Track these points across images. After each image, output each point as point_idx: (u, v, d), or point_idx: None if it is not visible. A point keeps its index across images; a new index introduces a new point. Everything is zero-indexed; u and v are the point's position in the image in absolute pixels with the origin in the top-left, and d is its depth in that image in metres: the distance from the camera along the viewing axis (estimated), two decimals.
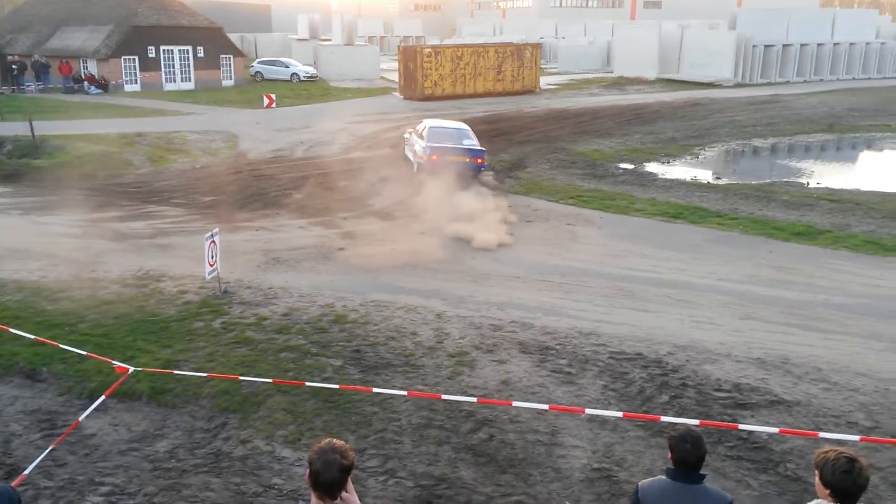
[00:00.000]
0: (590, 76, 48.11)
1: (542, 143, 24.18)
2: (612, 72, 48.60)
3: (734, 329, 9.45)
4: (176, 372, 7.65)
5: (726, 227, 14.39)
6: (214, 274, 10.43)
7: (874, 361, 8.47)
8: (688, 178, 19.72)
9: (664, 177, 19.90)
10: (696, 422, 5.64)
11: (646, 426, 7.06)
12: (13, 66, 36.45)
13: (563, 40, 63.01)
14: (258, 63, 46.66)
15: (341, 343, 8.91)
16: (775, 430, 6.04)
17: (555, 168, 20.61)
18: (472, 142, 18.21)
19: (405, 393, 6.87)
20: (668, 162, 22.26)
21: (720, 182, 19.46)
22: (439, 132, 18.40)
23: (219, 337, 9.07)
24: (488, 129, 25.05)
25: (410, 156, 19.15)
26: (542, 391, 7.87)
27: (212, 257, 10.26)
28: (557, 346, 8.95)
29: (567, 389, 7.94)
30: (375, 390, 6.66)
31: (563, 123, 28.49)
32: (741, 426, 6.34)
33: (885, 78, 45.84)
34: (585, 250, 13.02)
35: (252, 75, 44.58)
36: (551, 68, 54.12)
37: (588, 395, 7.79)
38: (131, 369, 7.54)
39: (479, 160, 17.61)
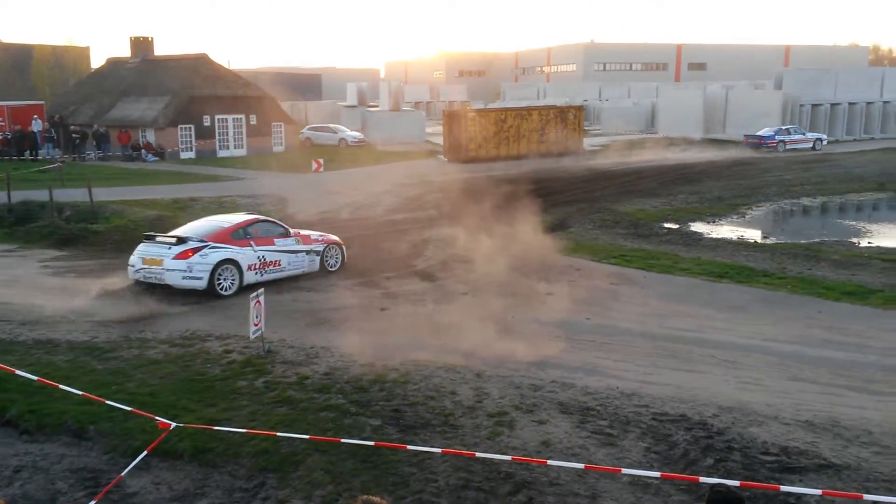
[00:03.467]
0: (634, 137, 48.31)
1: (584, 203, 24.25)
2: (656, 133, 48.75)
3: (782, 391, 9.20)
4: (216, 428, 7.76)
5: (773, 287, 14.12)
6: (259, 333, 10.63)
7: None
8: (734, 238, 19.50)
9: (709, 236, 19.72)
10: (738, 482, 5.48)
11: (689, 490, 6.87)
12: (74, 136, 38.35)
13: (607, 102, 63.62)
14: (308, 129, 48.17)
15: (380, 403, 8.94)
16: (818, 491, 5.83)
17: (598, 228, 20.61)
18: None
19: (440, 451, 6.84)
20: (714, 221, 22.07)
21: (767, 241, 19.20)
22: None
23: (261, 396, 9.20)
24: (532, 189, 25.23)
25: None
26: (583, 452, 7.74)
27: (256, 317, 10.48)
28: (598, 407, 8.82)
29: (608, 451, 7.79)
30: (411, 448, 6.66)
31: (607, 184, 28.58)
32: (783, 488, 6.13)
33: None
34: (628, 310, 12.91)
35: (302, 141, 45.99)
36: (595, 130, 54.56)
37: (630, 458, 7.63)
38: (173, 425, 7.67)
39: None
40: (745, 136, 41.12)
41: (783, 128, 41.01)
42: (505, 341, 11.15)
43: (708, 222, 21.90)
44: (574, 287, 14.29)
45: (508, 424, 8.38)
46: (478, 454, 6.91)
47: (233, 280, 13.88)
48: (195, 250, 13.55)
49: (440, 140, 40.88)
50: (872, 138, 43.37)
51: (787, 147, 40.00)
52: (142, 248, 14.03)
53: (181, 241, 13.75)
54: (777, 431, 8.04)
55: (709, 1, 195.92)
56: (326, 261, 15.48)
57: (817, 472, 7.14)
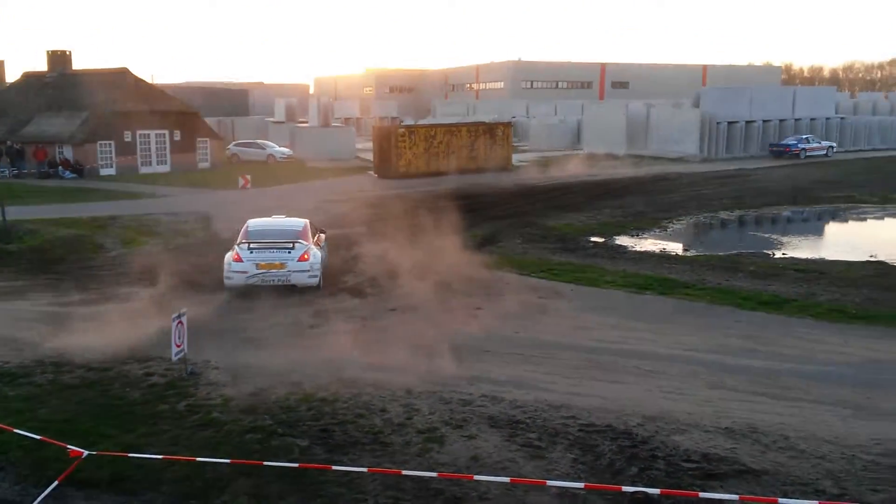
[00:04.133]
0: (561, 153, 49.26)
1: (513, 218, 24.55)
2: (582, 149, 49.86)
3: (703, 399, 9.48)
4: (132, 455, 7.47)
5: (694, 298, 14.57)
6: (181, 355, 10.32)
7: (840, 428, 8.51)
8: (657, 251, 20.06)
9: (634, 249, 20.23)
10: (658, 491, 5.61)
11: (614, 499, 6.98)
12: None
13: (535, 119, 64.75)
14: (234, 145, 47.33)
15: (308, 422, 8.79)
16: (735, 496, 6.02)
17: (526, 242, 20.87)
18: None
19: (366, 469, 6.77)
20: (638, 235, 22.66)
21: (688, 254, 19.81)
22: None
23: (183, 420, 8.92)
24: (461, 205, 25.41)
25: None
26: (512, 466, 7.78)
27: (179, 338, 10.18)
28: (527, 420, 8.90)
29: (537, 464, 7.86)
30: (336, 468, 6.56)
31: (535, 199, 29.02)
32: (702, 494, 6.30)
33: (846, 151, 47.45)
34: (556, 323, 13.09)
35: (228, 157, 45.13)
36: (523, 146, 55.38)
37: (558, 469, 7.71)
38: (86, 453, 7.36)
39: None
40: (770, 145, 45.61)
41: (803, 137, 45.63)
42: (435, 357, 11.14)
43: (632, 236, 22.46)
44: (503, 301, 14.41)
45: (438, 440, 8.36)
46: (405, 472, 6.86)
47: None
48: (309, 252, 14.66)
49: (370, 156, 40.79)
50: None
51: (807, 154, 44.54)
52: (252, 255, 14.51)
53: (294, 244, 14.65)
54: (699, 439, 8.27)
55: (630, 21, 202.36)
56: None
57: (737, 477, 7.36)
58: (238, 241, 15.12)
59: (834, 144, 46.90)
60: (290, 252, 14.60)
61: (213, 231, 22.72)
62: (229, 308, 14.03)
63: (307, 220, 16.17)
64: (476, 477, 7.06)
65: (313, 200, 27.99)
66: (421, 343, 11.78)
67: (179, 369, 10.39)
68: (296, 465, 6.74)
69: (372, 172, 38.61)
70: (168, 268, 16.12)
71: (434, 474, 7.04)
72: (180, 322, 10.18)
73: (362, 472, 7.09)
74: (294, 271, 14.52)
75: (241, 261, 14.54)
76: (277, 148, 45.81)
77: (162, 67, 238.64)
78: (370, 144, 41.63)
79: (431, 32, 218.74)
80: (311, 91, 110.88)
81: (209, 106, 56.35)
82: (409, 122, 66.38)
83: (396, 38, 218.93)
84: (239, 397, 9.53)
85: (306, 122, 54.15)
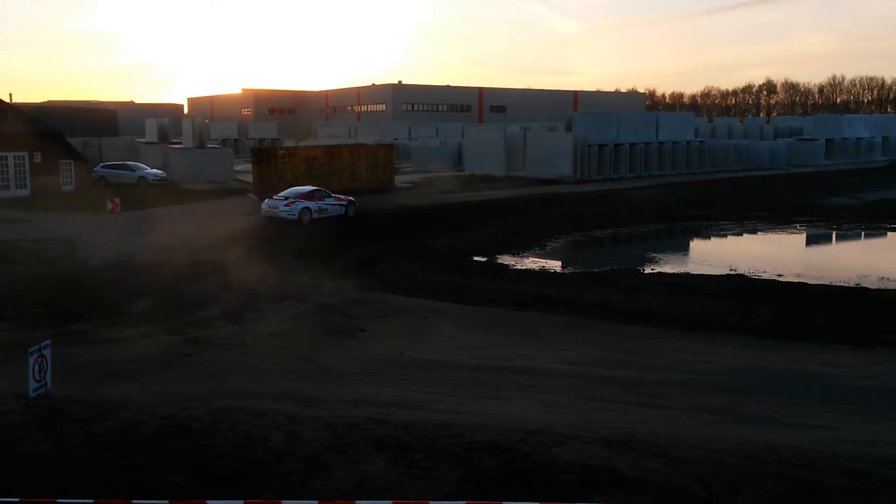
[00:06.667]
0: (442, 174, 49.90)
1: (397, 240, 24.58)
2: (463, 170, 50.73)
3: (581, 411, 9.78)
4: None
5: (572, 314, 15.06)
6: (42, 391, 9.60)
7: (707, 433, 8.99)
8: (536, 269, 20.65)
9: (515, 268, 20.73)
10: None
11: None
12: None
13: (416, 141, 65.38)
14: (101, 167, 44.85)
15: (183, 457, 8.37)
16: None
17: (410, 263, 20.95)
18: None
19: (242, 503, 6.51)
20: (518, 254, 23.25)
21: (566, 271, 20.50)
22: None
23: (44, 460, 8.27)
24: (345, 228, 25.24)
25: None
26: (397, 489, 7.70)
27: (38, 373, 9.48)
28: (413, 441, 8.84)
29: (423, 485, 7.81)
30: (210, 502, 6.27)
31: (417, 220, 29.18)
32: None
33: (705, 172, 50.67)
34: (440, 342, 13.18)
35: (95, 180, 42.73)
36: (406, 167, 55.75)
37: (443, 489, 7.70)
38: None
39: None
40: None
41: None
42: (318, 381, 10.94)
43: (513, 254, 23.03)
44: (387, 322, 14.38)
45: (322, 467, 8.16)
46: (284, 502, 6.66)
47: (307, 217, 26.87)
48: (292, 202, 27.03)
49: (250, 178, 39.78)
50: (651, 175, 47.96)
51: None
52: (267, 202, 27.79)
53: (286, 198, 27.33)
54: (577, 450, 8.50)
55: (506, 48, 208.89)
56: (348, 209, 28.65)
57: (613, 486, 7.61)
58: None
59: None
60: (283, 202, 27.33)
61: (80, 257, 21.39)
62: (95, 338, 13.21)
63: (314, 188, 29.09)
64: (358, 502, 6.94)
65: (189, 224, 26.95)
66: (303, 367, 11.54)
67: (40, 406, 9.65)
68: (166, 502, 6.38)
69: (252, 195, 37.63)
70: (28, 298, 15.03)
71: (315, 502, 6.86)
72: (41, 355, 9.48)
73: None
74: (282, 210, 27.17)
75: (263, 204, 27.76)
76: (149, 170, 43.81)
77: (21, 86, 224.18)
78: (249, 166, 40.62)
79: (311, 54, 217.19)
80: (186, 111, 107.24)
81: (74, 126, 53.25)
82: (289, 143, 65.39)
83: (274, 59, 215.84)
84: (105, 433, 8.95)
85: (180, 143, 52.10)
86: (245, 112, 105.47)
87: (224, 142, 65.77)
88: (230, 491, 7.55)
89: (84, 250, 22.21)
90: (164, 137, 52.96)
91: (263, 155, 37.17)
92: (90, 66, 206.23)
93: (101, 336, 13.36)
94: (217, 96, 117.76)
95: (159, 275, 18.54)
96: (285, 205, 26.67)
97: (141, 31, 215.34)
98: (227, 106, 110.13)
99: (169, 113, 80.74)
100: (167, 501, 6.29)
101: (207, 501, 6.13)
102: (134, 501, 6.26)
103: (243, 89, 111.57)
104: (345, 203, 28.75)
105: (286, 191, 28.30)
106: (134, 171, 43.63)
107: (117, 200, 31.10)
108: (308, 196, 27.67)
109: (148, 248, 22.59)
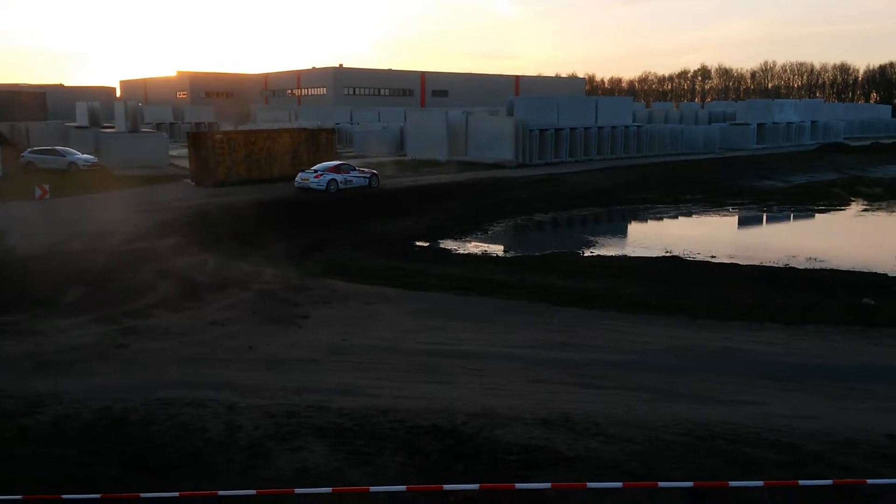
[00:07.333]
0: (385, 159, 49.61)
1: (339, 225, 24.39)
2: (405, 155, 50.55)
3: (522, 393, 9.91)
4: None
5: (514, 297, 15.22)
6: None
7: (644, 412, 9.23)
8: (479, 253, 20.77)
9: (457, 252, 20.81)
10: (477, 486, 5.78)
11: (440, 498, 7.10)
12: None
13: (358, 126, 64.78)
14: (29, 153, 43.11)
15: (119, 448, 8.18)
16: (548, 485, 6.34)
17: (353, 248, 20.83)
18: None
19: (177, 494, 6.40)
20: (461, 238, 23.34)
21: (508, 255, 20.68)
22: None
23: None
24: (285, 213, 24.90)
25: None
26: (338, 475, 7.69)
27: None
28: (355, 427, 8.83)
29: (365, 471, 7.81)
30: (144, 495, 6.14)
31: (360, 205, 28.97)
32: (517, 486, 6.58)
33: (642, 157, 51.62)
34: (383, 328, 13.16)
35: (23, 166, 41.05)
36: (348, 152, 55.22)
37: (386, 474, 7.72)
38: None
39: None
40: None
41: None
42: (259, 370, 10.81)
43: (456, 239, 23.10)
44: (330, 309, 14.28)
45: (263, 456, 8.09)
46: (221, 493, 6.58)
47: (334, 187, 30.29)
48: (321, 175, 30.50)
49: (186, 163, 38.82)
50: (591, 160, 48.60)
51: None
52: (300, 175, 31.17)
53: (316, 171, 30.68)
54: (519, 431, 8.63)
55: (448, 32, 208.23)
56: (371, 181, 32.03)
57: (554, 465, 7.75)
58: None
59: None
60: (312, 174, 31.28)
61: (7, 246, 20.57)
62: (25, 329, 12.76)
63: (340, 162, 33.18)
64: (297, 490, 6.91)
65: (123, 211, 26.18)
66: (244, 356, 11.39)
67: None
68: (98, 495, 6.21)
69: (189, 180, 36.74)
70: None
71: (253, 492, 6.80)
72: None
73: (174, 496, 6.70)
74: (312, 181, 31.04)
75: (297, 177, 31.94)
76: (80, 155, 42.27)
77: None
78: (186, 151, 39.63)
79: (250, 37, 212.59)
80: (118, 94, 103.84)
81: (0, 110, 51.04)
82: (227, 127, 64.01)
83: (212, 41, 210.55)
84: (37, 427, 8.68)
85: (113, 128, 50.43)
86: (181, 95, 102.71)
87: (159, 126, 63.92)
88: (169, 482, 7.42)
89: (12, 239, 21.37)
90: (95, 122, 51.22)
91: (201, 139, 36.32)
92: (15, 47, 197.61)
93: (31, 327, 12.91)
94: (151, 79, 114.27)
95: (92, 264, 17.98)
96: (315, 177, 30.25)
97: (73, 8, 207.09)
98: (162, 89, 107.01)
99: (100, 96, 77.90)
100: (99, 495, 6.13)
101: (141, 495, 6.00)
102: (65, 496, 6.09)
103: (179, 72, 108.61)
104: (368, 175, 32.06)
105: (317, 165, 31.88)
106: (64, 156, 42.05)
107: (47, 187, 29.98)
108: (335, 169, 31.15)
109: (80, 237, 21.87)
